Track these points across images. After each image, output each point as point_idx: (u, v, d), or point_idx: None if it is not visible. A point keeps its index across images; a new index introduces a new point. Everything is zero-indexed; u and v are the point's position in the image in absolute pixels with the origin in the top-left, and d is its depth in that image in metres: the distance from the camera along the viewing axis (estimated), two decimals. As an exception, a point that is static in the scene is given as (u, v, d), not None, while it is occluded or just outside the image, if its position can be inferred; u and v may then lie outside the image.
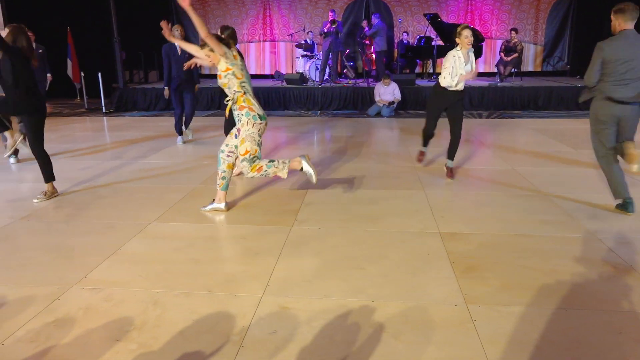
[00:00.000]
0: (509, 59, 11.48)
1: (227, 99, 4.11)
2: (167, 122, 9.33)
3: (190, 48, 4.41)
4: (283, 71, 13.78)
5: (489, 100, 10.77)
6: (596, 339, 2.39)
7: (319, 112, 10.78)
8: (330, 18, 11.41)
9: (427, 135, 5.41)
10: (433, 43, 12.16)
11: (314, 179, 4.26)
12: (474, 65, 4.99)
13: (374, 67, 12.32)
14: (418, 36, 13.23)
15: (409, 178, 5.31)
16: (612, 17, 3.97)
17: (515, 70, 11.97)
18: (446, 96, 5.02)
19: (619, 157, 4.15)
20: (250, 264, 3.25)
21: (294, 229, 3.87)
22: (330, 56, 11.62)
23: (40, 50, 7.72)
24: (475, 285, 2.93)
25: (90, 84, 11.92)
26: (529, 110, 10.57)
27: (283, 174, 4.20)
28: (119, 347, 2.35)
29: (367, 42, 12.38)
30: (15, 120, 5.50)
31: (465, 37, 4.80)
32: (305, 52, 12.37)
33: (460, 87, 4.97)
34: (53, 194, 4.74)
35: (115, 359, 2.27)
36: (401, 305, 2.71)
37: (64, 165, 6.04)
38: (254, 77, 14.20)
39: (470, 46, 4.87)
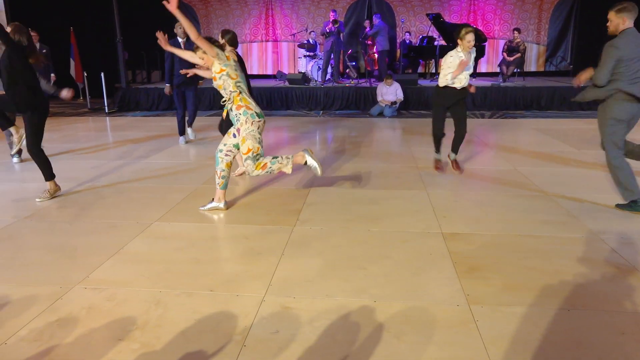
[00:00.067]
0: (511, 59, 11.46)
1: (223, 99, 4.11)
2: (170, 122, 9.34)
3: (185, 54, 4.44)
4: (285, 71, 13.78)
5: (492, 100, 10.75)
6: (599, 340, 2.38)
7: (321, 112, 10.78)
8: (332, 18, 11.41)
9: (438, 137, 5.34)
10: (435, 43, 12.15)
11: (319, 171, 4.26)
12: (472, 64, 5.01)
13: (376, 67, 12.32)
14: (420, 36, 13.22)
15: (411, 178, 5.31)
16: (613, 16, 3.94)
17: (518, 70, 11.95)
18: (447, 95, 5.04)
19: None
20: (253, 264, 3.26)
21: (296, 229, 3.87)
22: (332, 56, 11.62)
23: (45, 50, 7.76)
24: (477, 286, 2.92)
25: (92, 84, 11.95)
26: (531, 110, 10.55)
27: (287, 169, 4.20)
28: (121, 347, 2.36)
29: (369, 42, 12.38)
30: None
31: (467, 42, 4.82)
32: (307, 52, 12.38)
33: (459, 85, 4.98)
34: (56, 192, 4.74)
35: (117, 359, 2.27)
36: (403, 305, 2.71)
37: (66, 165, 6.05)
38: (256, 77, 14.23)
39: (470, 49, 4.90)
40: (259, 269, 3.18)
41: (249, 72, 14.92)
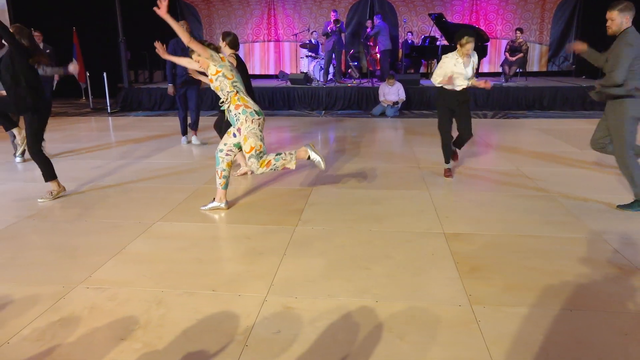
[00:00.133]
0: (514, 59, 11.45)
1: (221, 101, 4.11)
2: (172, 122, 9.35)
3: (183, 61, 4.47)
4: (287, 71, 13.79)
5: (494, 100, 10.74)
6: (601, 340, 2.37)
7: (323, 112, 10.78)
8: (333, 18, 11.41)
9: (446, 141, 5.24)
10: (438, 43, 12.14)
11: (322, 165, 4.27)
12: (475, 66, 4.97)
13: (378, 67, 12.32)
14: (423, 36, 13.21)
15: (413, 178, 5.31)
16: (616, 15, 3.91)
17: (521, 70, 11.94)
18: (448, 97, 5.04)
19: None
20: (254, 264, 3.26)
21: (298, 229, 3.87)
22: (333, 56, 11.62)
23: (48, 50, 7.75)
24: (479, 286, 2.92)
25: (95, 83, 11.97)
26: (534, 111, 10.53)
27: (291, 165, 4.21)
28: (123, 346, 2.36)
29: (370, 42, 12.38)
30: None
31: (466, 50, 4.85)
32: (309, 52, 12.38)
33: (459, 87, 4.99)
34: (59, 192, 4.73)
35: (119, 358, 2.27)
36: (405, 305, 2.71)
37: (68, 165, 6.06)
38: (258, 77, 14.24)
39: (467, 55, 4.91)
40: (260, 269, 3.18)
41: (251, 72, 14.92)
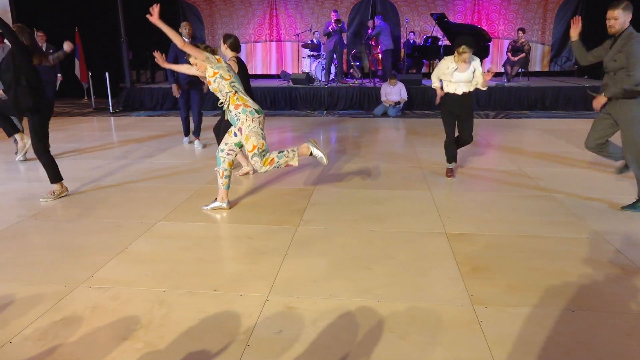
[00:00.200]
0: (516, 59, 11.43)
1: (220, 102, 4.11)
2: (174, 122, 9.37)
3: (181, 68, 4.49)
4: (289, 71, 13.79)
5: (496, 100, 10.73)
6: (603, 341, 2.37)
7: (325, 112, 10.78)
8: (334, 18, 11.41)
9: (450, 144, 5.24)
10: (440, 43, 12.13)
11: (324, 160, 4.28)
12: (479, 70, 4.94)
13: (380, 67, 12.31)
14: (425, 36, 13.20)
15: (415, 178, 5.30)
16: (620, 14, 3.87)
17: (523, 70, 11.92)
18: (449, 100, 5.08)
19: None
20: (256, 264, 3.26)
21: (299, 229, 3.87)
22: (335, 56, 11.61)
23: (51, 51, 7.76)
24: (481, 286, 2.91)
25: (97, 83, 11.99)
26: (536, 111, 10.52)
27: (294, 162, 4.21)
28: (125, 346, 2.36)
29: (372, 42, 12.37)
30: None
31: (462, 58, 4.86)
32: (311, 52, 12.38)
33: (460, 91, 4.99)
34: (62, 193, 4.74)
35: (121, 358, 2.28)
36: (407, 305, 2.71)
37: (71, 164, 6.07)
38: (260, 77, 14.24)
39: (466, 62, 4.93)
40: (262, 268, 3.19)
41: (253, 72, 14.90)
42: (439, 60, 12.19)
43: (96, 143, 7.49)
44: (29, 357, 2.29)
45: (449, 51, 11.16)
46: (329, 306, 2.71)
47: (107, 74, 10.92)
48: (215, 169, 4.28)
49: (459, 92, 4.99)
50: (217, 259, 3.36)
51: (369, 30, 12.11)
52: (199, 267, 3.22)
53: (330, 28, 11.33)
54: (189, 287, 2.95)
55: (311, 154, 4.26)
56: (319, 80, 11.67)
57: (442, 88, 5.14)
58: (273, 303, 2.75)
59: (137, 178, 5.42)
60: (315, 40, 12.38)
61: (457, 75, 4.93)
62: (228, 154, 4.20)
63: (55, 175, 4.66)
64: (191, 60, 4.06)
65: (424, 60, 13.41)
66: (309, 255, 3.39)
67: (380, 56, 12.14)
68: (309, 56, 12.49)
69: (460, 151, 5.64)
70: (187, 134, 7.33)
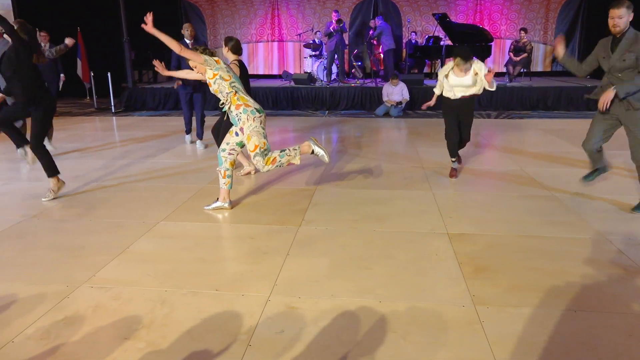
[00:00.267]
0: (518, 59, 11.41)
1: (221, 102, 4.12)
2: (176, 122, 9.38)
3: (181, 74, 4.51)
4: (291, 71, 13.80)
5: (498, 100, 10.71)
6: (605, 341, 2.37)
7: (327, 112, 10.78)
8: (335, 18, 11.41)
9: (452, 144, 5.25)
10: (442, 43, 12.11)
11: (326, 158, 4.30)
12: (482, 72, 4.92)
13: (382, 67, 12.31)
14: (426, 36, 13.19)
15: (417, 178, 5.30)
16: (625, 12, 3.82)
17: (525, 70, 11.90)
18: (450, 104, 5.11)
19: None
20: (258, 264, 3.26)
21: (301, 229, 3.88)
22: (336, 56, 11.61)
23: (54, 50, 7.77)
24: (483, 286, 2.91)
25: (99, 83, 12.00)
26: (538, 111, 10.51)
27: (296, 160, 4.23)
28: (127, 346, 2.37)
29: (374, 42, 12.37)
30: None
31: (460, 70, 4.90)
32: (313, 52, 12.38)
33: (453, 96, 5.01)
34: (60, 188, 4.72)
35: (123, 358, 2.28)
36: (408, 305, 2.71)
37: (73, 164, 6.08)
38: (262, 77, 14.25)
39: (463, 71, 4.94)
40: (264, 268, 3.19)
41: (255, 72, 14.92)
42: (441, 61, 12.27)
43: (98, 143, 7.50)
44: (31, 357, 2.29)
45: (450, 51, 11.16)
46: (331, 306, 2.71)
47: (109, 74, 10.93)
48: (217, 169, 4.28)
49: (457, 96, 5.02)
50: (219, 258, 3.37)
51: (371, 31, 12.11)
52: (200, 267, 3.23)
53: (331, 28, 11.33)
54: (190, 286, 2.95)
55: (313, 152, 4.28)
56: (321, 80, 11.67)
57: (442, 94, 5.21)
58: (274, 303, 2.75)
59: (139, 178, 5.43)
60: (317, 40, 12.38)
61: (453, 79, 4.95)
62: (229, 154, 4.21)
63: (52, 169, 4.64)
64: (191, 63, 4.08)
65: (426, 60, 13.40)
66: (311, 255, 3.39)
67: (382, 56, 12.13)
68: (310, 56, 12.49)
69: (462, 151, 5.66)
70: (189, 132, 7.33)
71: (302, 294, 2.84)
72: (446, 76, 5.03)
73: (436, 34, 12.54)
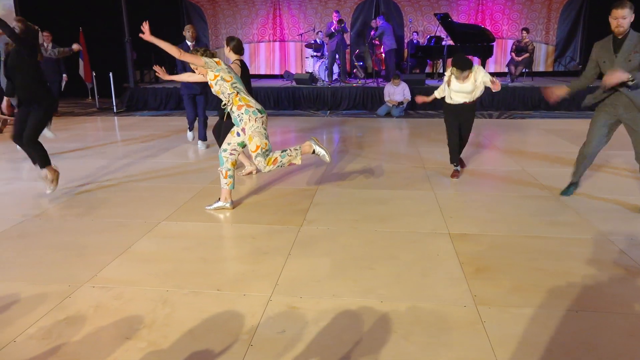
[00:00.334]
0: (520, 59, 11.40)
1: (223, 103, 4.13)
2: (178, 122, 9.38)
3: (183, 77, 4.53)
4: (293, 71, 13.79)
5: (500, 100, 10.70)
6: (607, 342, 2.36)
7: (329, 112, 10.78)
8: (335, 18, 11.41)
9: (453, 149, 5.27)
10: (443, 43, 12.10)
11: (327, 158, 4.31)
12: (484, 78, 4.91)
13: (384, 67, 12.30)
14: (428, 36, 13.17)
15: (419, 178, 5.30)
16: (628, 12, 3.80)
17: (526, 70, 11.89)
18: (451, 108, 5.13)
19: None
20: (259, 264, 3.26)
21: (303, 229, 3.87)
22: (337, 56, 11.61)
23: (56, 50, 7.80)
24: (485, 287, 2.91)
25: (101, 83, 12.01)
26: (539, 111, 10.49)
27: (297, 160, 4.23)
28: (128, 345, 2.37)
29: (376, 42, 12.37)
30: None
31: (456, 78, 4.92)
32: (314, 52, 12.38)
33: (452, 102, 5.03)
34: (56, 174, 4.68)
35: (125, 357, 2.28)
36: (410, 305, 2.70)
37: (74, 164, 6.09)
38: (263, 77, 14.25)
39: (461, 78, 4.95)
40: (265, 268, 3.19)
41: (256, 72, 14.92)
42: (443, 61, 12.27)
43: (100, 143, 7.51)
44: (33, 356, 2.30)
45: (452, 51, 11.15)
46: (332, 306, 2.71)
47: (111, 74, 10.94)
48: (218, 169, 4.28)
49: (459, 101, 5.03)
50: (220, 258, 3.37)
51: (372, 31, 12.11)
52: (202, 266, 3.23)
53: (332, 28, 11.33)
54: (192, 286, 2.95)
55: (314, 152, 4.28)
56: (322, 81, 11.67)
57: (442, 97, 5.23)
58: (276, 303, 2.75)
59: (140, 178, 5.43)
60: (318, 40, 12.38)
61: (455, 85, 4.97)
62: (231, 154, 4.21)
63: (45, 160, 4.62)
64: (191, 66, 4.10)
65: (428, 61, 13.39)
66: (312, 255, 3.39)
67: (383, 56, 12.12)
68: (312, 56, 12.49)
69: (464, 151, 5.63)
70: (192, 129, 7.31)
71: (304, 294, 2.84)
72: (448, 83, 5.03)
73: (438, 34, 12.53)
